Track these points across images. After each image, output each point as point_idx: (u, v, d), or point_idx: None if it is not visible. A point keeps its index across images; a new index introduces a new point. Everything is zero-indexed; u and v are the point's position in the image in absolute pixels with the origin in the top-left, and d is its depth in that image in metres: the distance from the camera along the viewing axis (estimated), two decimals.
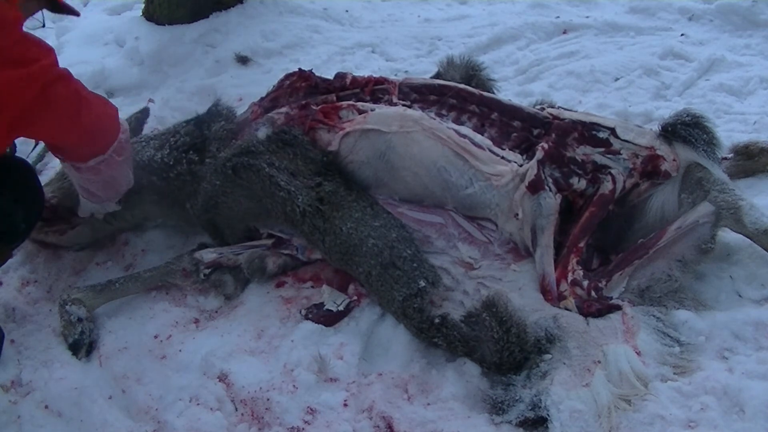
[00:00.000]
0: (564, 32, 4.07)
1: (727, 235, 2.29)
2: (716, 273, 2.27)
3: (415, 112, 2.48)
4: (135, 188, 2.59)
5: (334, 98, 2.67)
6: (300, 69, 2.80)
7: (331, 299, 2.36)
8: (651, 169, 2.35)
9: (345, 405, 2.04)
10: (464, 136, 2.42)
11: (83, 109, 2.16)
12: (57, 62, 2.09)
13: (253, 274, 2.47)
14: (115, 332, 2.40)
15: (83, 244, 2.77)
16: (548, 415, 1.89)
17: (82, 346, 2.32)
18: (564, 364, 2.02)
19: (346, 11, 4.56)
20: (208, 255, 2.50)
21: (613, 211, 2.35)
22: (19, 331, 2.41)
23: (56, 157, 2.42)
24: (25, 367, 2.28)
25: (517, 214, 2.34)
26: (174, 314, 2.45)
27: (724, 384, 1.89)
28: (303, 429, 1.99)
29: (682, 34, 3.92)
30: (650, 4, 4.22)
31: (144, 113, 3.23)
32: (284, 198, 2.39)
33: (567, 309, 2.19)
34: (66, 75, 2.11)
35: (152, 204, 2.72)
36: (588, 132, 2.40)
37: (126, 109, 3.30)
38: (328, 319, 2.30)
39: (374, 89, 2.68)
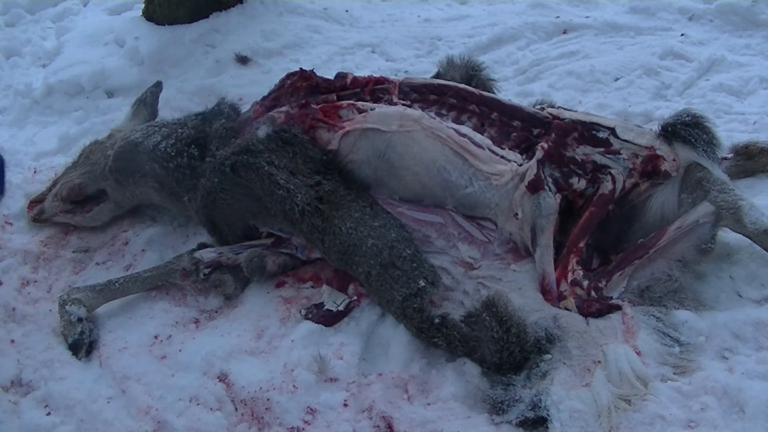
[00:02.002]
0: (564, 32, 4.07)
1: (727, 235, 2.29)
2: (716, 273, 2.27)
3: (415, 112, 2.48)
4: (141, 171, 2.75)
5: (335, 98, 2.67)
6: (301, 69, 2.80)
7: (331, 299, 2.36)
8: (651, 169, 2.34)
9: (345, 405, 2.04)
10: (464, 135, 2.42)
11: None
12: None
13: (253, 273, 2.47)
14: (115, 332, 2.40)
15: (105, 221, 2.91)
16: (548, 415, 1.89)
17: (82, 346, 2.32)
18: (564, 364, 2.02)
19: (346, 11, 4.56)
20: (208, 254, 2.50)
21: (613, 211, 2.35)
22: (19, 331, 2.41)
23: None
24: (25, 367, 2.28)
25: (517, 214, 2.34)
26: (174, 314, 2.45)
27: (724, 384, 1.89)
28: (303, 429, 1.99)
29: (682, 34, 3.92)
30: (650, 4, 4.21)
31: (158, 87, 3.33)
32: (283, 196, 2.39)
33: (567, 309, 2.19)
34: None
35: (153, 190, 2.77)
36: (588, 132, 2.40)
37: (126, 110, 3.30)
38: (328, 319, 2.30)
39: (374, 89, 2.68)
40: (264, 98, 2.79)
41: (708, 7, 4.09)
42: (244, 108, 2.88)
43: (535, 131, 2.47)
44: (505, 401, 1.97)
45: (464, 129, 2.46)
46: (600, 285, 2.22)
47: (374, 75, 2.75)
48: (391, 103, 2.59)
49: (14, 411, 2.13)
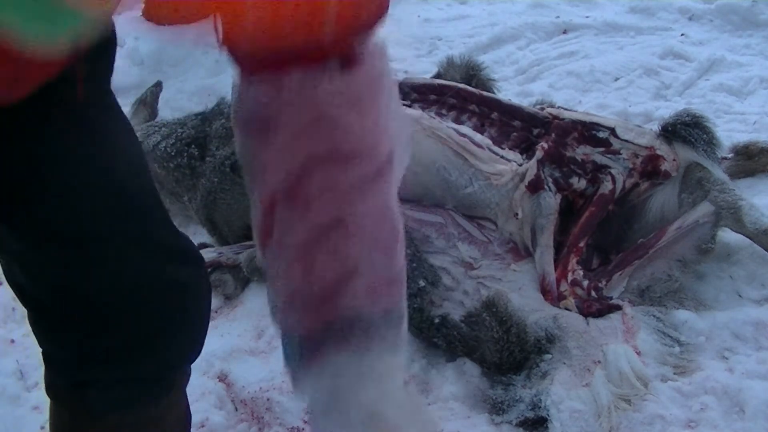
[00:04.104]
0: (564, 32, 4.07)
1: (727, 235, 2.28)
2: (716, 273, 2.26)
3: (415, 112, 2.48)
4: None
5: None
6: None
7: None
8: (651, 169, 2.34)
9: None
10: (464, 135, 2.42)
11: None
12: None
13: (253, 272, 2.46)
14: None
15: None
16: (548, 415, 1.89)
17: None
18: (564, 364, 2.01)
19: None
20: (208, 255, 2.49)
21: (613, 211, 2.35)
22: (19, 331, 2.40)
23: None
24: (25, 366, 2.27)
25: (517, 214, 2.34)
26: None
27: (724, 384, 1.89)
28: (303, 429, 1.99)
29: (682, 34, 3.92)
30: (650, 4, 4.21)
31: (158, 87, 3.33)
32: None
33: (567, 309, 2.19)
34: None
35: None
36: (588, 132, 2.40)
37: (126, 110, 3.29)
38: None
39: None
40: None
41: (708, 7, 4.08)
42: None
43: (535, 131, 2.47)
44: (505, 401, 1.97)
45: (464, 129, 2.46)
46: (600, 285, 2.22)
47: None
48: None
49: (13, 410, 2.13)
